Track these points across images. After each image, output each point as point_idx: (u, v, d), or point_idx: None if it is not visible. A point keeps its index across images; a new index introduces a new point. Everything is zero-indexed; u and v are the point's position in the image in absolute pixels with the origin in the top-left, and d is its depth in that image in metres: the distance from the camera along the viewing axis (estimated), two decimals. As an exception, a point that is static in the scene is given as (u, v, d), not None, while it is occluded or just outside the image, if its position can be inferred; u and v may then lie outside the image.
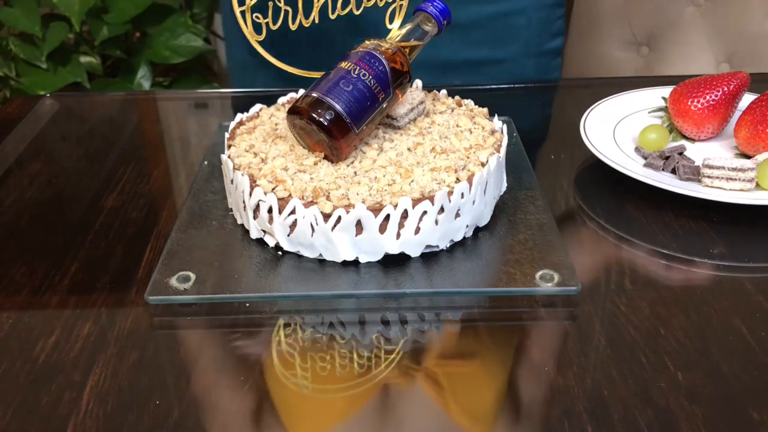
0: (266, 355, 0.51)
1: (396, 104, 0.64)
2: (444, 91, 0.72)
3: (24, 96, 1.33)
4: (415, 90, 0.67)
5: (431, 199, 0.55)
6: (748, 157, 0.69)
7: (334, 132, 0.58)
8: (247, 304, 0.55)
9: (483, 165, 0.59)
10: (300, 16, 0.62)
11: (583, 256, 0.60)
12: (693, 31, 1.29)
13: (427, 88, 0.72)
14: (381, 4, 0.66)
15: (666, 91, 0.78)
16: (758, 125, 0.68)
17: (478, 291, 0.56)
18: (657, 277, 0.58)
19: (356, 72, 0.59)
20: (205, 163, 0.73)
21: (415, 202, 0.55)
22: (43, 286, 0.58)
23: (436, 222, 0.56)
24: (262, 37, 0.61)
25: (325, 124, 0.57)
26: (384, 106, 0.61)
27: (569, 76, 1.03)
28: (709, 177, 0.64)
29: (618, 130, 0.75)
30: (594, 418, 0.45)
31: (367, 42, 0.62)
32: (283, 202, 0.56)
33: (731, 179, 0.64)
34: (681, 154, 0.69)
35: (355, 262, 0.58)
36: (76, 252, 0.62)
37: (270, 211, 0.57)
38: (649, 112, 0.78)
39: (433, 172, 0.58)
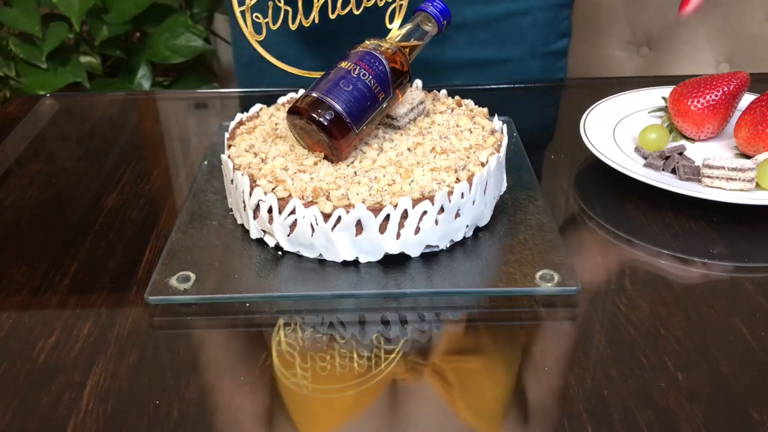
0: (266, 355, 0.51)
1: (396, 104, 0.64)
2: (444, 91, 0.72)
3: (24, 96, 1.33)
4: (415, 90, 0.67)
5: (431, 199, 0.55)
6: (748, 157, 0.69)
7: (334, 132, 0.58)
8: (247, 304, 0.55)
9: (483, 165, 0.59)
10: (300, 16, 0.62)
11: (583, 256, 0.60)
12: (693, 31, 1.29)
13: (434, 88, 0.73)
14: (381, 4, 0.66)
15: (666, 91, 0.78)
16: (758, 125, 0.68)
17: (478, 291, 0.56)
18: (657, 277, 0.58)
19: (356, 72, 0.59)
20: (205, 163, 0.73)
21: (415, 202, 0.55)
22: (43, 286, 0.58)
23: (436, 222, 0.57)
24: (262, 37, 0.61)
25: (325, 124, 0.57)
26: (384, 106, 0.61)
27: (569, 76, 1.03)
28: (709, 177, 0.64)
29: (618, 130, 0.75)
30: (594, 418, 0.45)
31: (367, 42, 0.62)
32: (283, 202, 0.56)
33: (731, 179, 0.64)
34: (681, 154, 0.69)
35: (355, 262, 0.58)
36: (76, 252, 0.62)
37: (270, 211, 0.57)
38: (649, 112, 0.78)
39: (433, 172, 0.58)
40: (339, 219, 0.55)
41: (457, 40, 0.91)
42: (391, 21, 0.68)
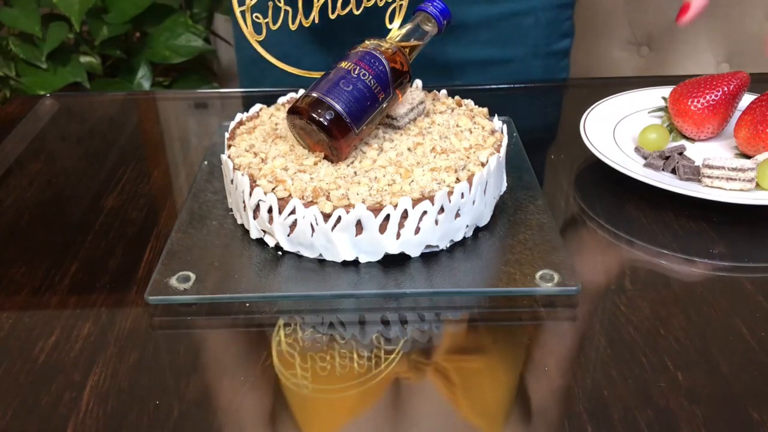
0: (266, 355, 0.51)
1: (396, 104, 0.64)
2: (444, 91, 0.72)
3: (24, 96, 1.33)
4: (415, 90, 0.67)
5: (431, 199, 0.55)
6: (748, 157, 0.69)
7: (334, 132, 0.58)
8: (247, 304, 0.55)
9: (483, 165, 0.59)
10: (300, 16, 0.62)
11: (583, 256, 0.60)
12: (693, 31, 1.29)
13: (436, 88, 0.73)
14: (381, 4, 0.66)
15: (666, 91, 0.78)
16: (758, 125, 0.68)
17: (478, 291, 0.56)
18: (657, 277, 0.58)
19: (356, 72, 0.59)
20: (205, 163, 0.73)
21: (415, 202, 0.55)
22: (43, 286, 0.58)
23: (436, 222, 0.57)
24: (262, 37, 0.61)
25: (325, 124, 0.57)
26: (384, 106, 0.61)
27: (569, 76, 1.03)
28: (709, 177, 0.64)
29: (618, 130, 0.75)
30: (594, 418, 0.45)
31: (367, 42, 0.62)
32: (283, 202, 0.56)
33: (731, 179, 0.64)
34: (681, 154, 0.69)
35: (355, 262, 0.58)
36: (76, 252, 0.62)
37: (270, 211, 0.57)
38: (649, 112, 0.78)
39: (433, 172, 0.58)
40: (339, 219, 0.55)
41: (459, 40, 0.91)
42: (391, 21, 0.68)
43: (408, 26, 0.65)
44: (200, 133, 0.87)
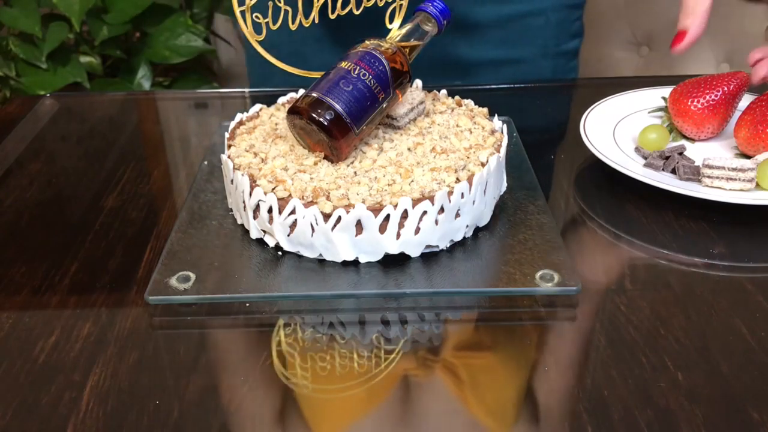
0: (266, 355, 0.51)
1: (396, 104, 0.64)
2: (444, 91, 0.72)
3: (24, 96, 1.33)
4: (415, 90, 0.67)
5: (431, 199, 0.55)
6: (748, 157, 0.69)
7: (334, 132, 0.58)
8: (247, 304, 0.55)
9: (483, 165, 0.59)
10: (300, 16, 0.62)
11: (583, 256, 0.60)
12: (693, 31, 1.28)
13: (446, 88, 0.73)
14: (381, 4, 0.66)
15: (666, 91, 0.78)
16: (758, 125, 0.68)
17: (478, 291, 0.56)
18: (657, 277, 0.58)
19: (356, 72, 0.59)
20: (205, 163, 0.73)
21: (415, 202, 0.55)
22: (43, 286, 0.58)
23: (436, 222, 0.56)
24: (262, 37, 0.61)
25: (325, 124, 0.57)
26: (384, 106, 0.61)
27: (578, 77, 1.03)
28: (709, 177, 0.64)
29: (618, 130, 0.75)
30: (594, 418, 0.45)
31: (367, 42, 0.62)
32: (283, 202, 0.56)
33: (731, 179, 0.64)
34: (681, 154, 0.69)
35: (355, 262, 0.58)
36: (76, 252, 0.62)
37: (270, 211, 0.57)
38: (649, 112, 0.78)
39: (433, 172, 0.58)
40: (339, 219, 0.55)
41: (469, 40, 0.91)
42: (391, 21, 0.68)
43: (408, 26, 0.65)
44: (200, 133, 0.87)
